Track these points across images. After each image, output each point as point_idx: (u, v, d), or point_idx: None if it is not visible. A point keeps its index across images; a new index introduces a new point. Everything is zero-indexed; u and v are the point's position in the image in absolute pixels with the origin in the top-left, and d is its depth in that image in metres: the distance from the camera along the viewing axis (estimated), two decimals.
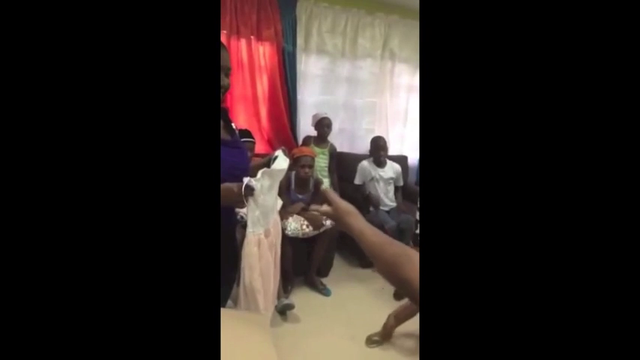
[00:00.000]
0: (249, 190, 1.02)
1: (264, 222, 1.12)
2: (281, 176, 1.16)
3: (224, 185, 0.99)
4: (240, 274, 1.12)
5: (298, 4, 2.99)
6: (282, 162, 1.15)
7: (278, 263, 1.26)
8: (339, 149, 3.20)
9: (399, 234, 2.74)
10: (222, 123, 1.16)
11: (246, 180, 1.02)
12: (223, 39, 2.75)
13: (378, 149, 3.03)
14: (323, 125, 3.01)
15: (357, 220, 0.74)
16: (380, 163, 3.04)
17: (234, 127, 1.21)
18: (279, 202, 1.23)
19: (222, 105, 1.20)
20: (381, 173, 3.03)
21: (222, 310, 1.05)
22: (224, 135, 1.14)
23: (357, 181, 3.04)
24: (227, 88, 1.06)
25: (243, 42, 2.88)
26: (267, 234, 1.14)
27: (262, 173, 1.06)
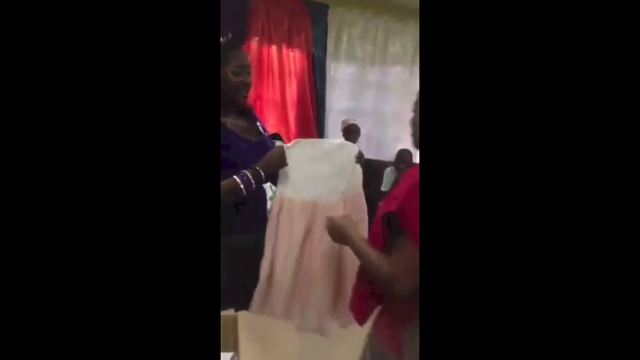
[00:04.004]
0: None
1: (304, 191, 1.07)
2: (325, 148, 1.18)
3: (267, 155, 1.00)
4: None
5: (330, 12, 3.03)
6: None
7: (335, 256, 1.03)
8: (365, 156, 3.18)
9: None
10: (245, 124, 1.09)
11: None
12: (254, 45, 2.82)
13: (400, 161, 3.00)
14: (350, 131, 3.01)
15: (354, 234, 0.80)
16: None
17: (259, 127, 1.14)
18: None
19: (248, 103, 1.13)
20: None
21: (244, 314, 1.08)
22: (248, 135, 1.08)
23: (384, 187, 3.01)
24: (249, 86, 1.05)
25: (274, 48, 2.93)
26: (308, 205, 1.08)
27: (296, 142, 1.07)
